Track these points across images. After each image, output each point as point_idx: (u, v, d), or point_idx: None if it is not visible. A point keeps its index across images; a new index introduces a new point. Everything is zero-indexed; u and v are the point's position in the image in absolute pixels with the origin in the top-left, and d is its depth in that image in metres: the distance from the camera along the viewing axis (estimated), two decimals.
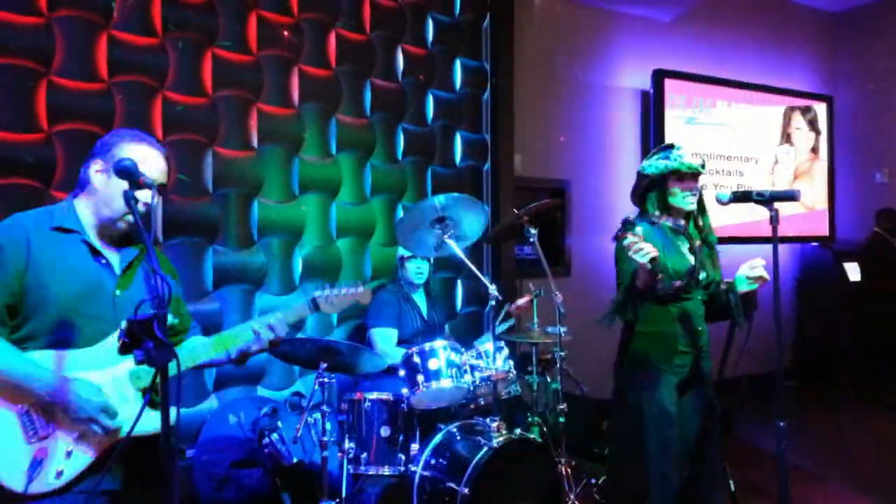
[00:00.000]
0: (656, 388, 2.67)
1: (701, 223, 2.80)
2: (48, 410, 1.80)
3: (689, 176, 2.68)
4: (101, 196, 1.93)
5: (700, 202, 2.77)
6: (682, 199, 2.70)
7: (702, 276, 2.72)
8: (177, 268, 3.60)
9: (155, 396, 1.80)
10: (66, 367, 1.83)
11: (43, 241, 1.88)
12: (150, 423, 1.80)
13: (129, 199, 1.73)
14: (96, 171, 1.94)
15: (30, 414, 1.79)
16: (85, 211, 1.96)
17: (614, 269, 2.76)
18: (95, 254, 1.94)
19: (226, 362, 2.08)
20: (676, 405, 2.68)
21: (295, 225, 4.06)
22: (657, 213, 2.73)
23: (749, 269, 2.62)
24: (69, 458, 1.79)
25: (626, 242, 2.32)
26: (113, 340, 1.86)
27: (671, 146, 2.74)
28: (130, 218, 1.88)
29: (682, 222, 2.74)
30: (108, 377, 1.87)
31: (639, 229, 2.37)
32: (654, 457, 2.65)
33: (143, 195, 1.84)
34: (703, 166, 2.72)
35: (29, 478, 1.73)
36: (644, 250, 2.29)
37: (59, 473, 1.76)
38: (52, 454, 1.77)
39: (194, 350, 2.00)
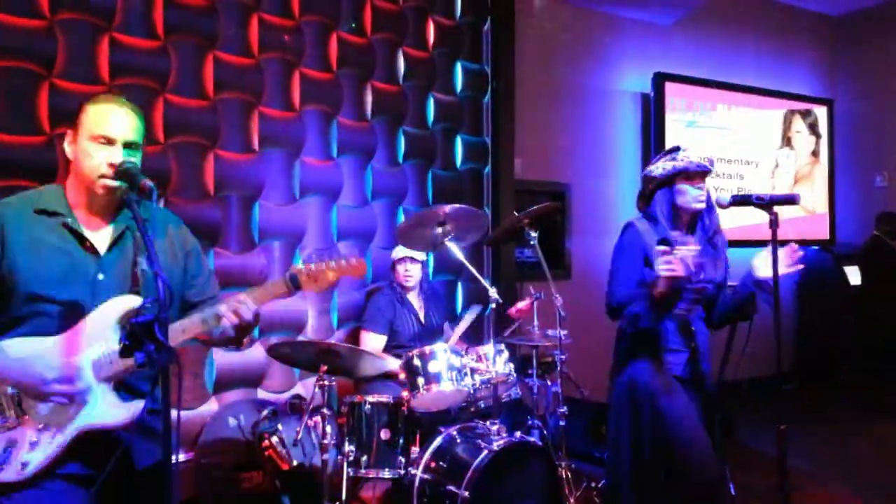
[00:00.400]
0: (646, 379, 2.68)
1: (708, 222, 2.77)
2: (15, 399, 1.77)
3: (697, 175, 2.67)
4: (74, 166, 1.89)
5: (708, 201, 2.74)
6: (691, 199, 2.68)
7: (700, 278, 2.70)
8: None
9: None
10: (35, 352, 1.78)
11: (21, 225, 1.83)
12: (114, 414, 1.79)
13: (132, 201, 1.71)
14: (68, 143, 1.90)
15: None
16: (71, 189, 1.91)
17: (611, 266, 2.77)
18: (79, 238, 1.87)
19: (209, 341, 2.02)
20: (679, 393, 2.66)
21: (296, 228, 4.06)
22: (664, 221, 2.71)
23: (786, 256, 2.52)
24: (34, 448, 1.75)
25: (659, 248, 2.38)
26: (83, 326, 1.80)
27: (677, 148, 2.75)
28: (107, 182, 1.82)
29: (678, 233, 2.70)
30: (72, 365, 1.79)
31: (681, 249, 2.39)
32: (649, 448, 2.65)
33: (114, 154, 1.81)
34: (711, 164, 2.72)
35: None
36: (673, 266, 2.33)
37: (25, 464, 1.73)
38: (19, 444, 1.75)
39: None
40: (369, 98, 4.42)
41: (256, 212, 3.92)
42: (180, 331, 1.85)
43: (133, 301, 1.83)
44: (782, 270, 2.48)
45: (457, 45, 4.88)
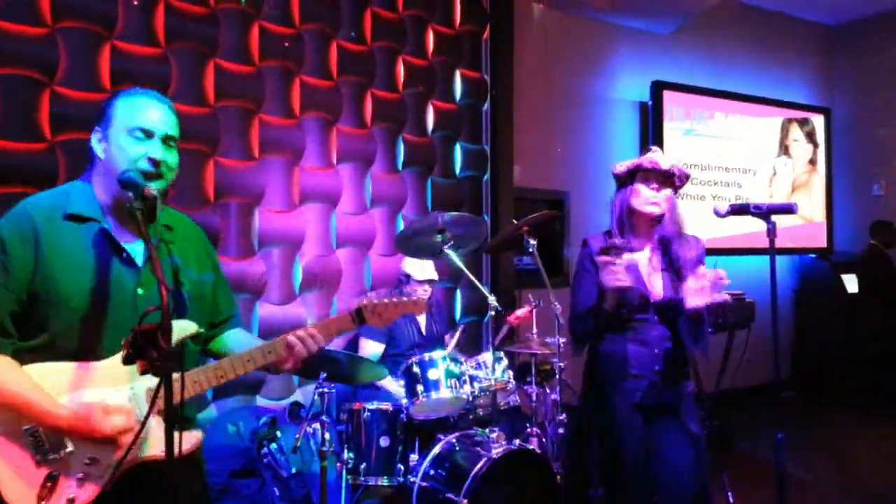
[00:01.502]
0: (605, 408, 2.55)
1: (669, 231, 2.57)
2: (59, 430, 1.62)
3: (654, 175, 2.50)
4: (104, 165, 1.72)
5: (671, 210, 2.54)
6: (643, 201, 2.50)
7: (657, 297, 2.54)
8: None
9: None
10: (81, 382, 1.64)
11: (54, 233, 1.67)
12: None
13: (135, 211, 1.57)
14: (97, 141, 1.74)
15: (37, 433, 1.61)
16: (99, 190, 1.75)
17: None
18: (115, 247, 1.72)
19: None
20: (635, 426, 2.50)
21: (295, 234, 4.07)
22: (614, 226, 2.58)
23: (696, 283, 2.34)
24: (81, 485, 1.61)
25: (601, 258, 2.29)
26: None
27: (650, 149, 2.60)
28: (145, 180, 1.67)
29: (621, 239, 2.51)
30: (125, 395, 1.67)
31: (625, 256, 2.30)
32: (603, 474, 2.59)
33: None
34: (683, 177, 2.55)
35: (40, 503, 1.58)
36: (618, 275, 2.26)
37: (71, 501, 1.59)
38: (63, 478, 1.60)
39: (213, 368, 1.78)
40: (369, 105, 4.44)
41: (256, 218, 3.93)
42: (245, 360, 1.78)
43: (189, 326, 1.72)
44: (709, 299, 2.34)
45: (456, 54, 4.90)
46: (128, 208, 1.63)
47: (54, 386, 1.63)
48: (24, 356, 1.66)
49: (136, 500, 1.69)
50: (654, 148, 2.61)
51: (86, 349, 1.67)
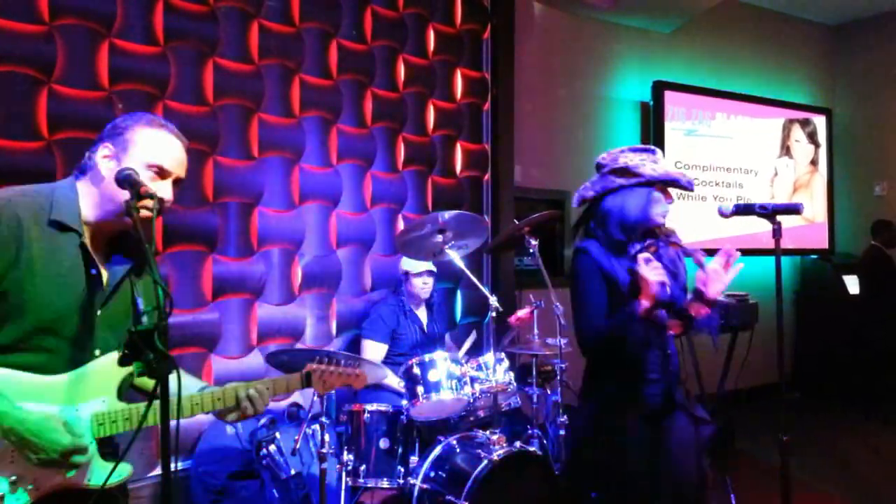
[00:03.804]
0: (624, 430, 2.33)
1: (667, 233, 2.46)
2: None
3: (670, 188, 2.42)
4: (106, 185, 1.66)
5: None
6: (661, 212, 2.39)
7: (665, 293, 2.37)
8: (176, 277, 3.60)
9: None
10: (23, 395, 1.56)
11: (37, 238, 1.61)
12: (99, 475, 1.63)
13: (131, 209, 1.53)
14: (104, 157, 1.68)
15: None
16: (86, 201, 1.69)
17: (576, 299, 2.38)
18: (88, 265, 1.67)
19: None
20: (648, 442, 2.34)
21: (295, 235, 4.05)
22: (616, 230, 2.38)
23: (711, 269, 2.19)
24: None
25: (643, 256, 2.16)
26: (88, 369, 1.65)
27: (654, 150, 2.45)
28: (146, 213, 1.60)
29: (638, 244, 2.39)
30: (65, 417, 1.61)
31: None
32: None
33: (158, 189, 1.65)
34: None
35: None
36: (660, 270, 2.13)
37: None
38: None
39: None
40: (369, 105, 4.41)
41: (255, 218, 3.90)
42: (194, 404, 1.78)
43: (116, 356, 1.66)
44: (727, 277, 2.18)
45: (457, 53, 4.88)
46: (126, 206, 1.57)
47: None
48: None
49: None
50: (657, 150, 2.47)
51: (41, 362, 1.61)
